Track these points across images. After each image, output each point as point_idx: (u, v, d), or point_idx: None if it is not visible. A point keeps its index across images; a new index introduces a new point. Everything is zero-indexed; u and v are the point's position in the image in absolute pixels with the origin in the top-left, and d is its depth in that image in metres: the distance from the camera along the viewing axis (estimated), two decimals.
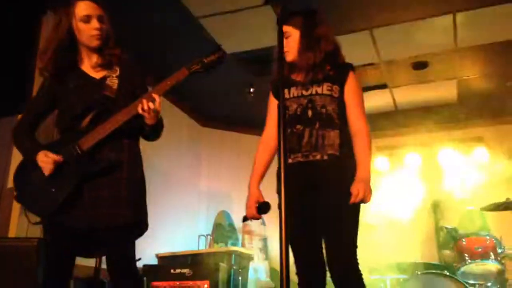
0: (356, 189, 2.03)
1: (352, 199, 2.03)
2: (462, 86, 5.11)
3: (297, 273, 2.15)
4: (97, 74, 2.13)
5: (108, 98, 2.06)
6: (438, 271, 3.88)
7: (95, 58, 2.13)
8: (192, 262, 3.97)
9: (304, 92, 2.23)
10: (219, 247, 4.55)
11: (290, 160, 2.17)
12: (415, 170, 5.85)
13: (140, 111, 1.96)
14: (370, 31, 4.15)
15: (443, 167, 5.82)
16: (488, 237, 4.09)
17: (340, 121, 2.20)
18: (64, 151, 1.99)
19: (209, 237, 5.06)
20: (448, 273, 3.81)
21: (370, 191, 2.06)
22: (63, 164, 1.98)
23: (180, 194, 5.27)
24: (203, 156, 5.79)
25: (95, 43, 2.09)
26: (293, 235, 2.07)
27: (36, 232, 3.26)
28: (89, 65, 2.14)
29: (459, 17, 3.95)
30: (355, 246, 2.09)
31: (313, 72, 2.23)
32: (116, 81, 2.11)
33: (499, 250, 4.03)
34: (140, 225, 2.08)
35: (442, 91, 5.25)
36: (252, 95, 5.02)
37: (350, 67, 2.28)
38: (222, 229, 4.99)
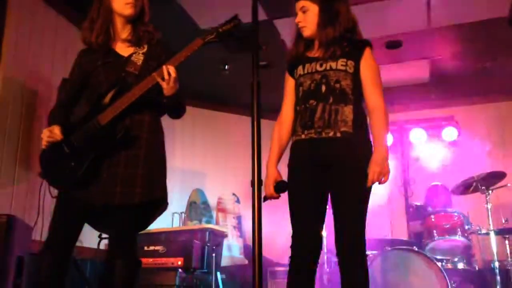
0: (372, 172, 2.05)
1: (369, 183, 2.05)
2: (435, 66, 5.17)
3: (292, 245, 2.18)
4: (126, 51, 2.13)
5: (131, 75, 2.06)
6: (407, 247, 3.99)
7: (126, 33, 2.13)
8: (166, 240, 3.97)
9: (319, 68, 2.20)
10: (193, 225, 4.55)
11: (303, 136, 2.18)
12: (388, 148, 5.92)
13: (159, 79, 1.96)
14: None
15: (414, 145, 5.93)
16: (456, 214, 4.21)
17: (354, 97, 2.17)
18: (85, 127, 2.01)
19: (183, 215, 5.06)
20: (416, 249, 3.92)
21: (387, 171, 2.09)
22: (82, 140, 2.00)
23: None
24: (177, 133, 5.74)
25: (128, 11, 2.09)
26: (297, 208, 2.18)
27: (5, 207, 3.23)
28: (119, 41, 2.14)
29: None
30: (364, 225, 2.11)
31: (333, 48, 2.19)
32: (142, 58, 2.10)
33: (466, 227, 4.16)
34: (157, 204, 2.10)
35: (415, 70, 5.31)
36: (227, 72, 4.98)
37: (367, 43, 2.24)
38: (196, 207, 4.99)
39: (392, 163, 6.36)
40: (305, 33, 2.28)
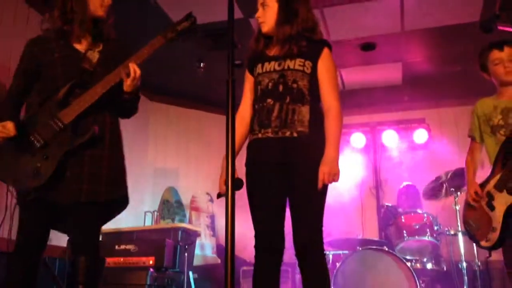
0: (322, 173, 2.06)
1: (319, 184, 2.06)
2: (407, 69, 5.26)
3: (255, 245, 2.18)
4: (82, 47, 2.14)
5: (85, 71, 2.07)
6: (378, 247, 4.04)
7: (82, 32, 2.13)
8: (137, 239, 3.92)
9: (277, 67, 2.22)
10: (165, 224, 4.51)
11: (260, 135, 2.19)
12: (360, 149, 6.01)
13: (124, 76, 1.99)
14: (320, 10, 4.16)
15: (386, 146, 6.02)
16: (425, 215, 4.29)
17: (311, 97, 2.20)
18: (45, 125, 1.98)
19: (155, 213, 5.00)
20: (387, 249, 3.97)
21: (337, 171, 2.09)
22: (45, 139, 1.97)
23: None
24: (150, 131, 5.68)
25: (101, 13, 2.15)
26: (257, 207, 2.19)
27: None
28: (76, 37, 2.13)
29: (406, 0, 4.04)
30: (321, 224, 2.12)
31: (289, 46, 2.21)
32: (97, 56, 2.12)
33: (435, 227, 4.24)
34: (120, 202, 2.13)
35: (388, 73, 5.39)
36: (202, 69, 4.94)
37: (325, 44, 2.26)
38: (169, 205, 4.94)
39: (364, 164, 6.42)
40: (263, 28, 2.30)
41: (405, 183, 5.06)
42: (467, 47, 4.69)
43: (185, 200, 5.33)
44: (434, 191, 4.35)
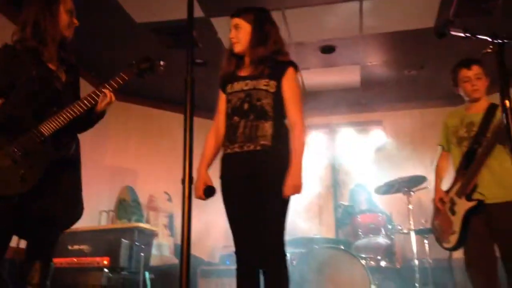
0: (286, 186, 2.22)
1: (284, 195, 2.22)
2: (365, 72, 5.38)
3: (236, 252, 2.34)
4: (53, 67, 2.22)
5: (57, 90, 2.17)
6: (334, 246, 4.12)
7: (53, 51, 2.20)
8: (92, 239, 3.82)
9: (244, 87, 2.39)
10: (121, 223, 4.42)
11: (229, 150, 2.36)
12: (318, 149, 6.10)
13: (101, 99, 2.17)
14: (282, 12, 4.20)
15: (344, 147, 6.14)
16: (380, 214, 4.40)
17: (274, 114, 2.35)
18: (25, 135, 2.05)
19: (111, 213, 4.90)
20: (343, 247, 4.05)
21: (300, 185, 2.25)
22: (27, 148, 2.03)
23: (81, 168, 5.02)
24: (109, 129, 5.56)
25: (69, 33, 2.25)
26: (232, 218, 2.37)
27: None
28: (48, 57, 2.19)
29: (365, 4, 4.12)
30: (283, 232, 2.27)
31: (262, 67, 2.38)
32: (64, 76, 2.24)
33: (389, 226, 4.37)
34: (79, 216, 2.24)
35: (347, 75, 5.49)
36: (162, 68, 4.87)
37: (290, 64, 2.43)
38: (126, 205, 4.85)
39: (322, 164, 6.51)
40: (237, 48, 2.45)
41: (360, 183, 5.17)
42: (423, 52, 4.85)
43: (143, 199, 5.25)
44: (388, 188, 4.50)
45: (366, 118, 6.19)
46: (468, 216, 2.71)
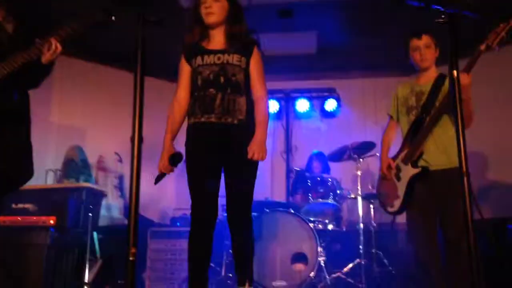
0: (251, 150, 2.42)
1: (249, 157, 2.41)
2: (322, 39, 5.36)
3: (192, 213, 2.50)
4: None
5: (1, 41, 2.10)
6: (284, 209, 4.21)
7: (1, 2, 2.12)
8: (38, 198, 3.71)
9: (217, 61, 2.51)
10: (69, 183, 4.30)
11: (202, 119, 2.48)
12: (273, 115, 6.13)
13: (45, 50, 2.10)
14: None
15: (299, 114, 6.20)
16: (330, 179, 4.51)
17: (246, 89, 2.55)
18: None
19: (58, 172, 4.76)
20: (292, 211, 4.15)
21: (265, 151, 2.46)
22: None
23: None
24: (55, 86, 5.31)
25: None
26: (196, 183, 2.50)
27: None
28: None
29: None
30: (251, 199, 2.53)
31: (232, 42, 2.53)
32: (11, 27, 2.16)
33: (338, 191, 4.49)
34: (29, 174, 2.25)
35: (304, 41, 5.46)
36: (114, 24, 4.67)
37: (255, 43, 2.61)
38: (74, 164, 4.71)
39: (276, 130, 6.56)
40: (210, 19, 2.52)
41: (315, 151, 5.26)
42: (379, 21, 4.88)
43: (92, 159, 5.11)
44: (339, 155, 4.61)
45: (320, 85, 6.23)
46: (413, 182, 2.81)
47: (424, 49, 2.86)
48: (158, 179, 2.48)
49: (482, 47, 2.49)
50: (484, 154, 4.98)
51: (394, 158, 2.97)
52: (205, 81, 2.50)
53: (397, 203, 2.87)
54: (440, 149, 2.77)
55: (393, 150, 3.07)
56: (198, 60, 2.53)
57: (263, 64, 2.64)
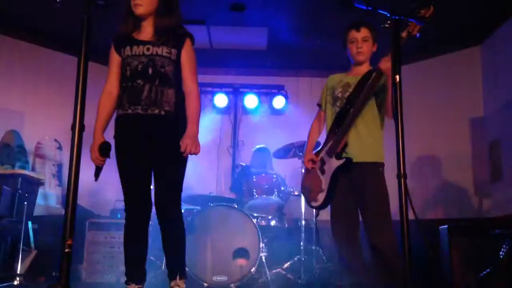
0: (184, 144, 2.40)
1: (182, 150, 2.39)
2: (272, 35, 5.39)
3: (125, 207, 2.49)
4: None
5: None
6: (228, 204, 4.21)
7: None
8: None
9: (146, 52, 2.48)
10: (3, 169, 4.09)
11: (129, 111, 2.46)
12: (221, 109, 6.11)
13: None
14: None
15: (247, 109, 6.21)
16: (275, 176, 4.56)
17: (176, 81, 2.52)
18: None
19: None
20: (236, 206, 4.15)
21: (197, 144, 2.45)
22: None
23: None
24: None
25: None
26: (126, 176, 2.49)
27: None
28: None
29: None
30: (180, 191, 2.51)
31: (162, 35, 2.49)
32: None
33: (282, 188, 4.54)
34: None
35: (254, 37, 5.47)
36: (58, 5, 4.48)
37: (188, 36, 2.57)
38: (9, 150, 4.48)
39: (224, 124, 6.52)
40: (138, 10, 2.48)
41: (259, 146, 5.29)
42: (329, 22, 4.96)
43: (29, 146, 4.88)
44: (285, 152, 4.65)
45: (269, 82, 6.27)
46: (336, 174, 2.73)
47: (361, 42, 2.81)
48: (97, 174, 2.45)
49: (404, 34, 2.42)
50: (437, 157, 5.17)
51: (319, 151, 2.90)
52: (133, 72, 2.48)
53: (321, 197, 2.78)
54: (360, 142, 2.73)
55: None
56: (127, 50, 2.51)
57: (195, 57, 2.61)
